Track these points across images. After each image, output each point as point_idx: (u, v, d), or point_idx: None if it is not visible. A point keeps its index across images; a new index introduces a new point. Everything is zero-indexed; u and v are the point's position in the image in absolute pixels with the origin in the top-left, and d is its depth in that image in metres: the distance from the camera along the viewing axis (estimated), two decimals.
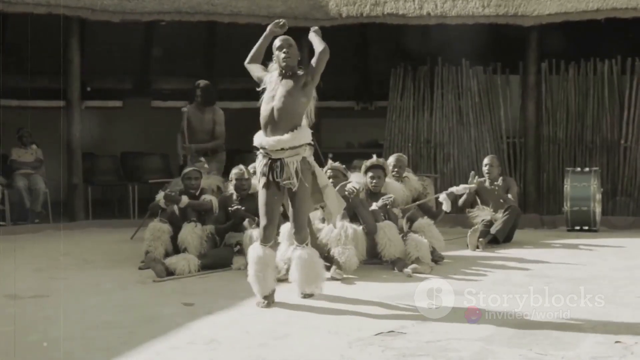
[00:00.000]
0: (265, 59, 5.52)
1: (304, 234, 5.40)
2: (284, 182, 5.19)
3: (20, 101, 12.85)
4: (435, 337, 4.32)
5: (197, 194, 7.42)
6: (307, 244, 5.40)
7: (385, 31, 11.63)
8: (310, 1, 10.72)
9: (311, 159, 5.35)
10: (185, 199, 7.23)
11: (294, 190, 5.21)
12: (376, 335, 4.39)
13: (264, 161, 5.26)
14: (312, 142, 5.38)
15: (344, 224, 6.62)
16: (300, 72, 5.30)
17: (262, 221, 5.30)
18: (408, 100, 11.38)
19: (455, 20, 10.55)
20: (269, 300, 5.21)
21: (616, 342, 4.19)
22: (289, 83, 5.26)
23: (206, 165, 8.26)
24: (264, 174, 5.25)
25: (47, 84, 12.77)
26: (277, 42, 5.33)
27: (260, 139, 5.29)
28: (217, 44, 13.68)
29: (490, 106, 11.18)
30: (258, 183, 5.41)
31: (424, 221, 7.32)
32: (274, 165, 5.22)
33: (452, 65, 11.29)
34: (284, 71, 5.27)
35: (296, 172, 5.19)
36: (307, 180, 5.26)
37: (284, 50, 5.25)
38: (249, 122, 13.81)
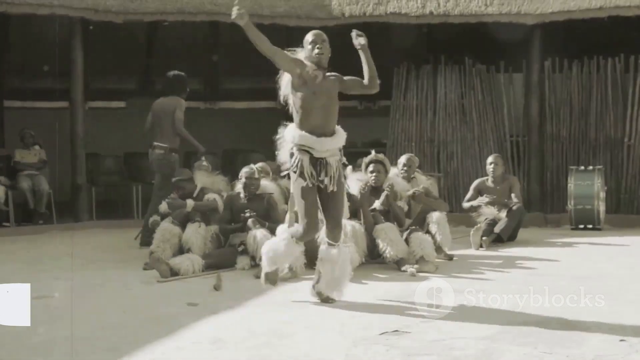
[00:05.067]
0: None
1: (339, 231, 5.26)
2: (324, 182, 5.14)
3: (23, 102, 12.87)
4: (440, 336, 4.31)
5: (195, 195, 7.43)
6: (339, 244, 5.25)
7: (388, 30, 11.61)
8: (313, 0, 10.72)
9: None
10: (190, 202, 7.23)
11: (334, 190, 5.16)
12: (381, 334, 4.39)
13: (307, 160, 5.09)
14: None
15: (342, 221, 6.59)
16: (332, 76, 5.20)
17: (304, 222, 5.12)
18: (411, 100, 11.38)
19: (458, 19, 10.54)
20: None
21: (621, 340, 4.19)
22: (327, 84, 5.15)
23: (204, 163, 8.27)
24: (309, 174, 5.09)
25: (50, 84, 12.79)
26: (309, 37, 5.19)
27: (306, 139, 5.10)
28: (220, 44, 13.69)
29: (494, 105, 11.17)
30: (295, 181, 5.16)
31: (439, 215, 7.32)
32: (317, 165, 5.12)
33: (455, 64, 11.28)
34: (317, 67, 5.12)
35: (337, 172, 5.18)
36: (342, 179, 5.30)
37: (318, 46, 5.14)
38: (252, 122, 13.80)
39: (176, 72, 8.33)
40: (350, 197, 7.03)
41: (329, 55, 5.22)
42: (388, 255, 6.68)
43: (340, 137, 5.25)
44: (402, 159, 7.97)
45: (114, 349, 4.19)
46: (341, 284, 5.28)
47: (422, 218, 7.44)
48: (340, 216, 5.30)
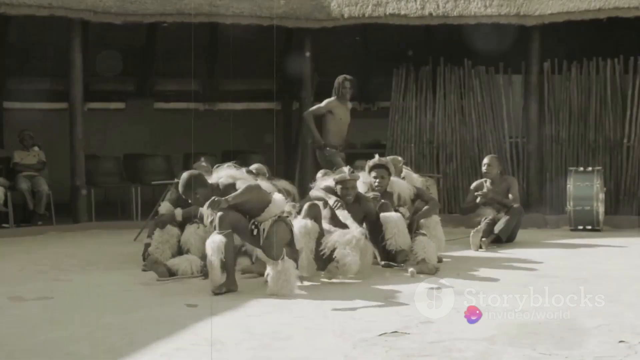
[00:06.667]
0: None
1: (278, 252, 5.68)
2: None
3: (22, 103, 12.87)
4: (439, 338, 4.31)
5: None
6: (282, 259, 5.64)
7: (387, 32, 11.62)
8: (312, 2, 10.72)
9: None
10: (178, 211, 7.17)
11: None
12: (380, 335, 4.39)
13: None
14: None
15: (361, 231, 6.46)
16: None
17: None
18: (410, 101, 11.37)
19: (457, 20, 10.55)
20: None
21: (620, 341, 4.19)
22: None
23: (203, 164, 8.24)
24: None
25: (50, 86, 12.79)
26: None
27: None
28: (219, 45, 13.69)
29: (493, 106, 11.17)
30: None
31: (433, 218, 7.29)
32: None
33: (454, 65, 11.28)
34: None
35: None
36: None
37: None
38: (251, 123, 13.77)
39: (342, 75, 8.96)
40: (359, 199, 6.90)
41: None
42: (392, 243, 6.64)
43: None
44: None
45: (113, 350, 4.19)
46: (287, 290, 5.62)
47: (413, 219, 7.42)
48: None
